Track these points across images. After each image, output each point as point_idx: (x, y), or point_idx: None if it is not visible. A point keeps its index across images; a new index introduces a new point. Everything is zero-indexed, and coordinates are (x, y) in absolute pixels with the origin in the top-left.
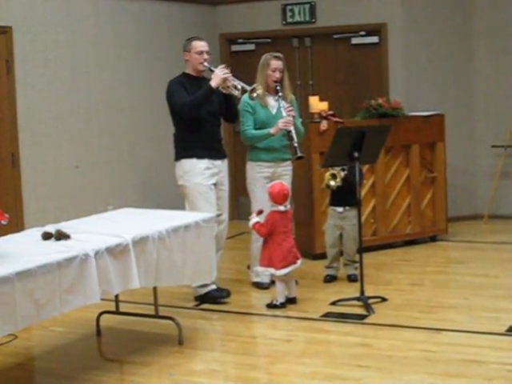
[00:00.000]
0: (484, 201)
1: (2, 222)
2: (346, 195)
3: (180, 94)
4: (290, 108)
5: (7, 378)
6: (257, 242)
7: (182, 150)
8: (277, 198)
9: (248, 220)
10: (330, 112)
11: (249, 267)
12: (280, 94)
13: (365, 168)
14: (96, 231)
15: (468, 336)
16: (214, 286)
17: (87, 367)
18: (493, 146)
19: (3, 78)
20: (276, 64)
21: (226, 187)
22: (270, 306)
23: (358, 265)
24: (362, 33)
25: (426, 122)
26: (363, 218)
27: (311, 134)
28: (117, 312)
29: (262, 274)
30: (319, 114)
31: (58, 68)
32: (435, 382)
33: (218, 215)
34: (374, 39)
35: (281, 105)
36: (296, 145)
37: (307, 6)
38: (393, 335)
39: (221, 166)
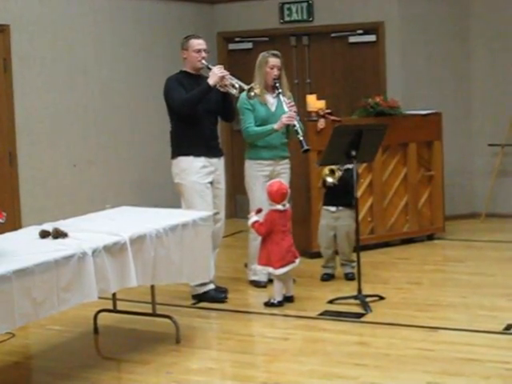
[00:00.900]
0: (481, 199)
1: (0, 220)
2: (339, 195)
3: (177, 92)
4: (292, 103)
5: (5, 377)
6: (254, 240)
7: (179, 147)
8: (275, 196)
9: (246, 218)
10: (328, 110)
11: (246, 265)
12: (279, 90)
13: (362, 166)
14: (93, 229)
15: (465, 334)
16: (212, 286)
17: (85, 365)
18: (490, 145)
19: (0, 77)
20: (274, 61)
21: (222, 185)
22: (268, 304)
23: (355, 264)
24: (360, 31)
25: (423, 120)
26: (360, 217)
27: (309, 132)
28: (114, 310)
29: (260, 272)
30: (317, 112)
31: (55, 66)
32: (433, 381)
33: (215, 213)
34: (372, 38)
35: (282, 100)
36: (301, 138)
37: (305, 4)
38: (390, 334)
39: (217, 164)
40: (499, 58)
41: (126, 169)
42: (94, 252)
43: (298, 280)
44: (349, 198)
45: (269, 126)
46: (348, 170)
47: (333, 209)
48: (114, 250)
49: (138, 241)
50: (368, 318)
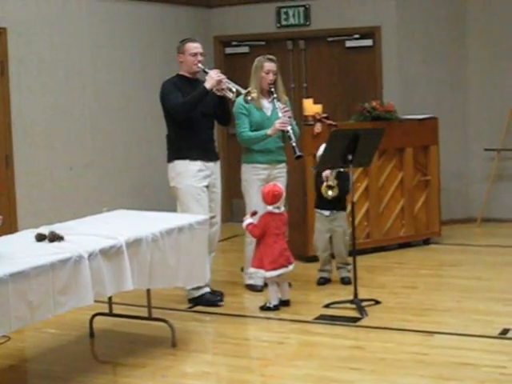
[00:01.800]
0: (477, 204)
1: None
2: (333, 200)
3: (174, 95)
4: (286, 109)
5: (0, 380)
6: (250, 244)
7: (175, 151)
8: (267, 197)
9: (242, 222)
10: (324, 115)
11: (242, 270)
12: (275, 95)
13: (358, 171)
14: (90, 233)
15: (461, 339)
16: (207, 289)
17: (80, 369)
18: (486, 150)
19: None
20: (269, 66)
21: (218, 189)
22: (264, 308)
23: (350, 267)
24: (356, 36)
25: (419, 125)
26: (357, 221)
27: (305, 136)
28: (110, 314)
29: (256, 276)
30: (313, 116)
31: (52, 69)
32: None
33: (212, 217)
34: (368, 42)
35: (276, 105)
36: (294, 144)
37: (301, 8)
38: (386, 338)
39: (213, 168)
40: (496, 62)
41: (123, 172)
42: (90, 255)
43: (294, 284)
44: (343, 203)
45: (263, 132)
46: (340, 172)
47: (326, 213)
48: (110, 253)
49: (134, 244)
50: (364, 322)
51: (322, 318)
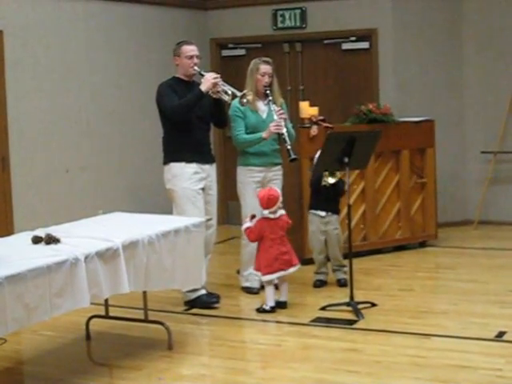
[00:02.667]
0: (474, 206)
1: None
2: (329, 201)
3: (170, 98)
4: (282, 111)
5: None
6: (247, 246)
7: (171, 153)
8: (262, 201)
9: (238, 225)
10: (321, 117)
11: (239, 272)
12: (270, 98)
13: (354, 173)
14: (86, 235)
15: (457, 341)
16: (203, 291)
17: (77, 371)
18: (482, 152)
19: None
20: (265, 68)
21: (214, 192)
22: (260, 310)
23: (346, 269)
24: (353, 38)
25: (416, 127)
26: (353, 224)
27: (301, 139)
28: (106, 316)
29: (252, 278)
30: (309, 119)
31: (48, 72)
32: None
33: (208, 220)
34: (365, 45)
35: (272, 108)
36: (289, 147)
37: (298, 11)
38: (382, 340)
39: (209, 171)
40: (492, 65)
41: (119, 174)
42: (86, 258)
43: (291, 286)
44: (337, 205)
45: (258, 135)
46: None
47: (322, 214)
48: (107, 255)
49: (131, 247)
50: (360, 324)
51: (319, 321)
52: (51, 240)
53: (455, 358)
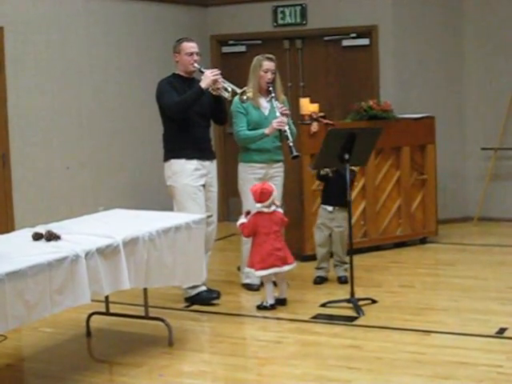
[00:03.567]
0: (474, 203)
1: None
2: (338, 192)
3: (170, 94)
4: (285, 108)
5: None
6: (247, 243)
7: (171, 150)
8: (255, 195)
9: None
10: (321, 114)
11: (239, 269)
12: (273, 94)
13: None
14: (86, 232)
15: (458, 338)
16: (204, 288)
17: (77, 368)
18: (483, 149)
19: None
20: (268, 65)
21: (214, 188)
22: (260, 307)
23: (347, 266)
24: (353, 35)
25: (416, 124)
26: (353, 220)
27: (302, 135)
28: (107, 313)
29: (252, 275)
30: (310, 115)
31: (48, 69)
32: None
33: (208, 216)
34: (365, 41)
35: (274, 105)
36: (291, 144)
37: (298, 7)
38: (383, 337)
39: (210, 167)
40: (492, 61)
41: (119, 171)
42: (86, 254)
43: (291, 283)
44: (344, 197)
45: (260, 131)
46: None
47: (330, 208)
48: (107, 252)
49: (131, 243)
50: (361, 321)
51: (319, 317)
52: (52, 237)
53: (456, 355)
